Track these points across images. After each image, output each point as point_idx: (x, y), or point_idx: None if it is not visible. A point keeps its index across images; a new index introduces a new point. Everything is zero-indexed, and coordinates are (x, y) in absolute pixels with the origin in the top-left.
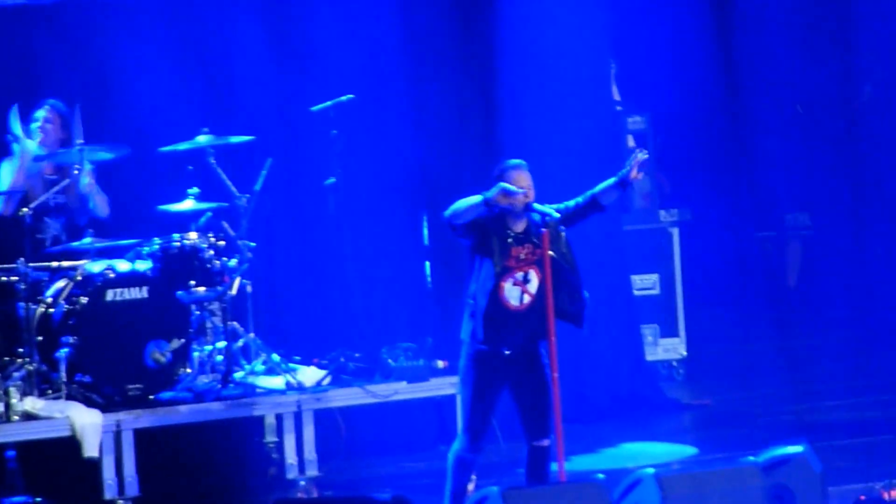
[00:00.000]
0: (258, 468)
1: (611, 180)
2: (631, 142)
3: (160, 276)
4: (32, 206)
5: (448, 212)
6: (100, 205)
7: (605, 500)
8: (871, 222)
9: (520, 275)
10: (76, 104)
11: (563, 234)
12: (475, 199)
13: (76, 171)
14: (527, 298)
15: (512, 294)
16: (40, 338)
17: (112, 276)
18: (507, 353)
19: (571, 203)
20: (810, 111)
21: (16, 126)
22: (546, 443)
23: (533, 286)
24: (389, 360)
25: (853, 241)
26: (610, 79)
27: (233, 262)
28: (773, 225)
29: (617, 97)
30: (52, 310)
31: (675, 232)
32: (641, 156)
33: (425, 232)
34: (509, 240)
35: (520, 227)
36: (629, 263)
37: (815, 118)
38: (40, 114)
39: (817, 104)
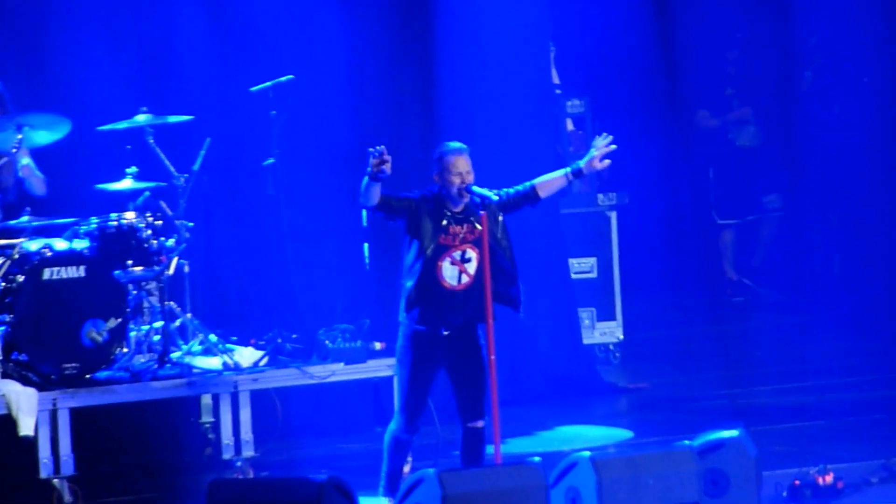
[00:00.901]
0: (194, 448)
1: (559, 172)
2: (570, 125)
3: (97, 256)
4: None
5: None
6: (36, 184)
7: (541, 482)
8: (808, 208)
9: (457, 254)
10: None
11: (501, 219)
12: (364, 180)
13: (14, 150)
14: (465, 279)
15: (450, 273)
16: None
17: (49, 254)
18: (444, 333)
19: (511, 190)
20: (749, 96)
21: None
22: (481, 424)
23: (472, 266)
24: (327, 342)
25: (788, 227)
26: (549, 62)
27: (170, 242)
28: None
29: (556, 80)
30: None
31: (613, 216)
32: (603, 142)
33: (364, 214)
34: (444, 221)
35: (458, 208)
36: (567, 247)
37: (754, 103)
38: None
39: (756, 89)
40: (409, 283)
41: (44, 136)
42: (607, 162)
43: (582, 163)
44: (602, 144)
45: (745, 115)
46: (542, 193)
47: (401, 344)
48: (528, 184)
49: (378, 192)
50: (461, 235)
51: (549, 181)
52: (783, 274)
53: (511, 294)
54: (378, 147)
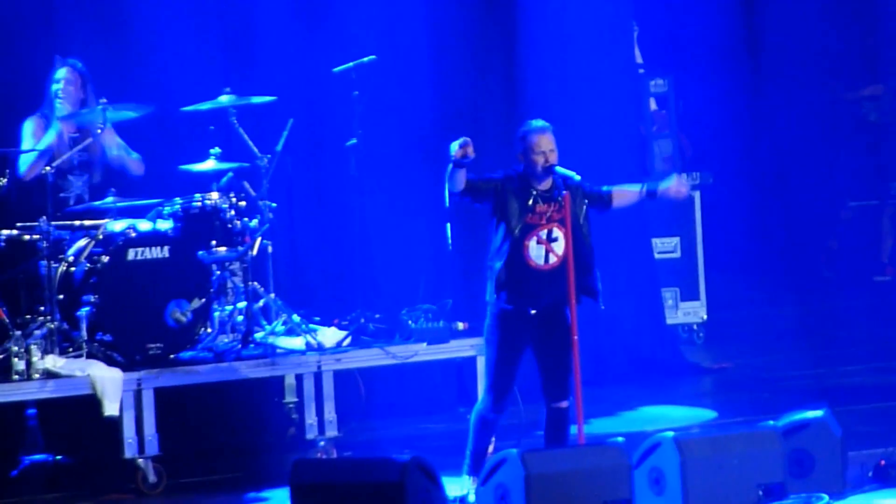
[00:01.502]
0: (277, 428)
1: (635, 186)
2: (653, 104)
3: (181, 236)
4: (55, 164)
5: (445, 190)
6: (132, 165)
7: (625, 462)
8: (890, 187)
9: (544, 233)
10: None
11: (585, 206)
12: (448, 167)
13: (99, 130)
14: (553, 258)
15: (536, 252)
16: (61, 296)
17: (133, 235)
18: (532, 312)
19: (596, 188)
20: (833, 75)
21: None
22: (565, 404)
23: (559, 246)
24: (409, 322)
25: (872, 205)
26: (632, 41)
27: (254, 223)
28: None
29: (639, 60)
30: (73, 268)
31: (697, 195)
32: (686, 183)
33: (446, 194)
34: (531, 200)
35: (544, 185)
36: (650, 227)
37: (838, 83)
38: (60, 74)
39: (840, 68)
40: (497, 264)
41: (126, 113)
42: (684, 192)
43: (660, 187)
44: (684, 183)
45: (877, 92)
46: (616, 203)
47: (489, 324)
48: (606, 188)
49: (464, 178)
50: (548, 214)
51: (625, 193)
52: (870, 253)
53: (587, 283)
54: (461, 139)
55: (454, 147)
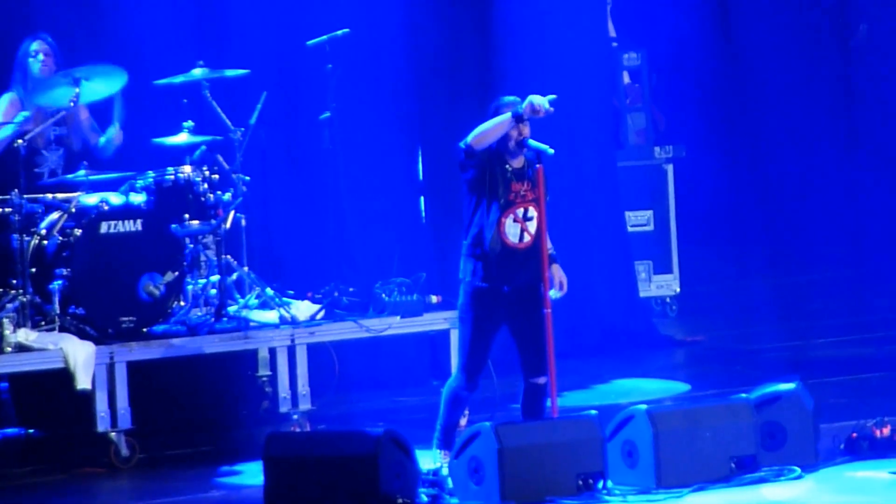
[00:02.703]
0: (251, 402)
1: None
2: (626, 78)
3: (154, 209)
4: (27, 137)
5: (470, 137)
6: (114, 137)
7: (598, 435)
8: (864, 161)
9: (520, 211)
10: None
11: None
12: (502, 117)
13: (72, 104)
14: (527, 237)
15: (512, 231)
16: (34, 270)
17: (106, 208)
18: (506, 290)
19: None
20: (807, 47)
21: None
22: (543, 380)
23: (533, 225)
24: (383, 295)
25: (847, 181)
26: (606, 14)
27: (227, 196)
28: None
29: (612, 33)
30: (45, 242)
31: (670, 168)
32: (540, 103)
33: (420, 167)
34: (506, 176)
35: (517, 163)
36: (623, 200)
37: (812, 55)
38: (35, 46)
39: (815, 40)
40: (473, 242)
41: (100, 90)
42: (541, 110)
43: (521, 108)
44: (542, 99)
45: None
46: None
47: (462, 301)
48: None
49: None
50: (522, 192)
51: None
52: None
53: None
54: (552, 96)
55: (537, 100)
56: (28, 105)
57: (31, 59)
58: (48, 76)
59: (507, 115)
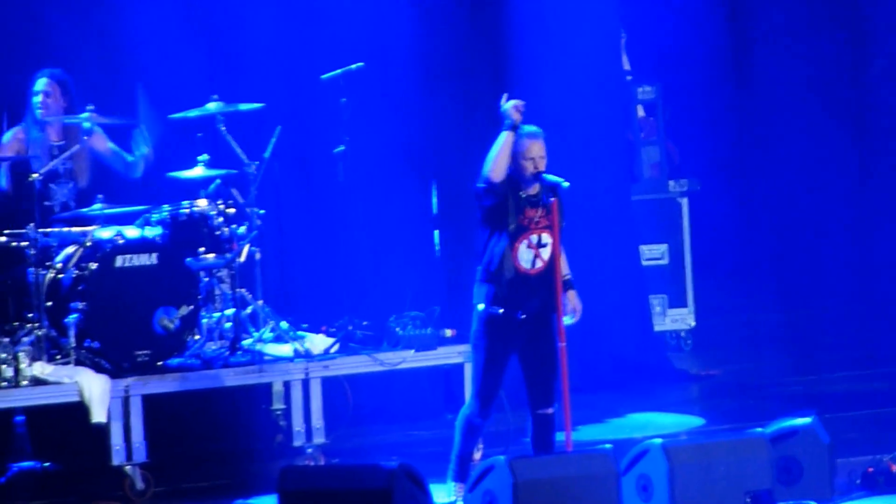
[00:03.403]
0: (265, 435)
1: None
2: (641, 111)
3: (169, 243)
4: (42, 171)
5: (486, 172)
6: (135, 164)
7: (612, 469)
8: (879, 196)
9: (534, 237)
10: (139, 84)
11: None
12: (501, 138)
13: (86, 137)
14: (539, 263)
15: (525, 257)
16: (49, 303)
17: (121, 242)
18: (521, 317)
19: None
20: (821, 83)
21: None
22: (550, 411)
23: (546, 252)
24: (397, 329)
25: (861, 215)
26: (620, 48)
27: (242, 230)
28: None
29: (627, 67)
30: (61, 275)
31: (685, 202)
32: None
33: (434, 200)
34: (520, 204)
35: (532, 190)
36: (638, 233)
37: (826, 90)
38: (39, 86)
39: (828, 76)
40: (488, 267)
41: (114, 120)
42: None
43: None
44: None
45: None
46: None
47: (476, 328)
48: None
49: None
50: (536, 219)
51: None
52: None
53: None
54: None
55: (507, 105)
56: (30, 141)
57: (34, 99)
58: (52, 114)
59: (504, 134)
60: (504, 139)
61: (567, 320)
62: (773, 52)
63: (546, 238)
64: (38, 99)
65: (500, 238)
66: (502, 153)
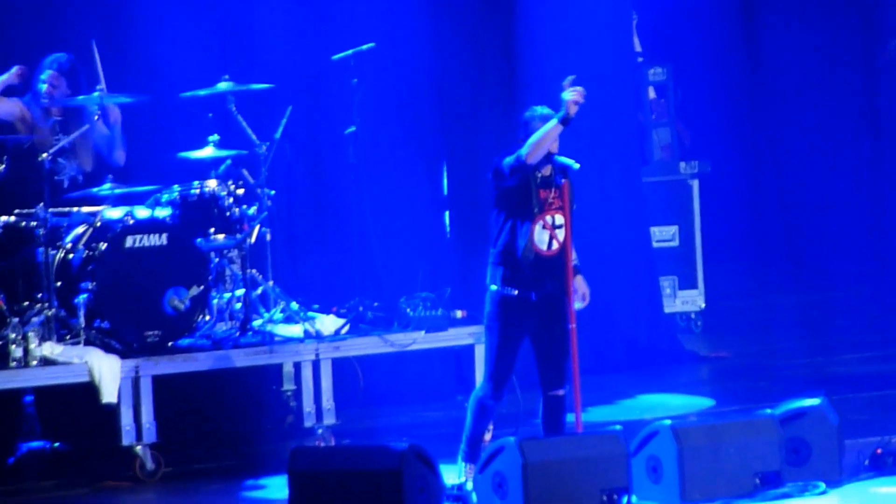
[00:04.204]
0: (275, 416)
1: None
2: (652, 93)
3: (179, 224)
4: (52, 151)
5: (525, 151)
6: (117, 154)
7: (622, 451)
8: (890, 178)
9: (549, 218)
10: (92, 41)
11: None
12: (551, 125)
13: (96, 117)
14: (555, 245)
15: (541, 238)
16: (59, 283)
17: (131, 222)
18: (534, 298)
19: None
20: (833, 64)
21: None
22: (561, 392)
23: (562, 233)
24: (408, 310)
25: (872, 196)
26: (631, 30)
27: (252, 210)
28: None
29: (638, 48)
30: (71, 255)
31: (695, 184)
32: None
33: (445, 182)
34: (537, 183)
35: (545, 171)
36: (648, 215)
37: (837, 71)
38: (45, 76)
39: (840, 57)
40: (502, 248)
41: (122, 99)
42: (576, 101)
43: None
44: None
45: None
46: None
47: (490, 310)
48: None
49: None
50: (549, 200)
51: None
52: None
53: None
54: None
55: (570, 95)
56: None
57: (39, 86)
58: (54, 103)
59: (555, 122)
60: (552, 128)
61: (577, 305)
62: (785, 34)
63: (560, 219)
64: (43, 87)
65: (517, 219)
66: (547, 140)
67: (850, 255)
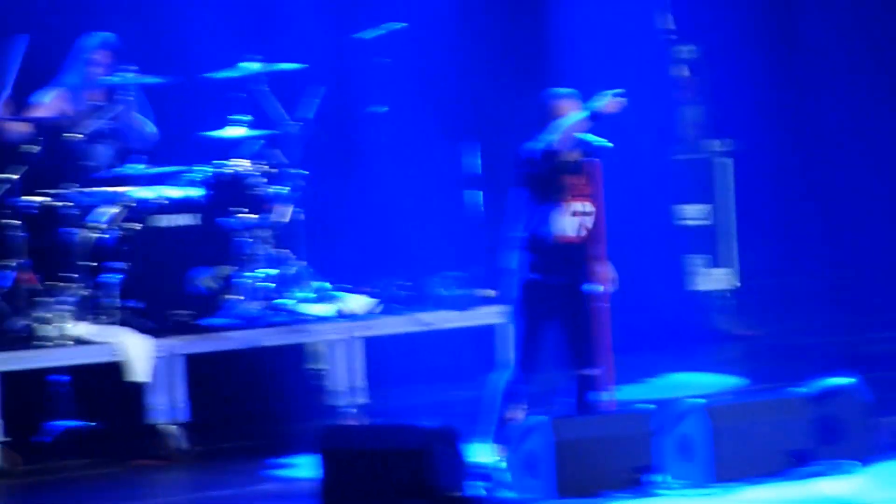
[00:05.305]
0: (306, 395)
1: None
2: (684, 71)
3: (211, 203)
4: (86, 132)
5: (556, 138)
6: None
7: (654, 429)
8: None
9: (578, 205)
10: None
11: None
12: (580, 115)
13: (131, 98)
14: (583, 231)
15: (570, 225)
16: (92, 263)
17: (165, 202)
18: (560, 282)
19: None
20: (866, 40)
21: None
22: (593, 372)
23: (590, 220)
24: (440, 289)
25: None
26: (664, 6)
27: (284, 190)
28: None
29: (671, 25)
30: (104, 235)
31: (729, 162)
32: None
33: (478, 161)
34: (566, 169)
35: (573, 156)
36: (680, 193)
37: (871, 47)
38: (91, 50)
39: (873, 33)
40: (529, 234)
41: (153, 79)
42: (614, 107)
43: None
44: (616, 101)
45: None
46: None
47: (517, 296)
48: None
49: None
50: (578, 187)
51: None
52: None
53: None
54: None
55: (607, 101)
56: (75, 101)
57: (88, 66)
58: (100, 79)
59: (584, 115)
60: (580, 120)
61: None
62: (818, 10)
63: (589, 206)
64: (95, 69)
65: (545, 205)
66: (574, 129)
67: (886, 233)
